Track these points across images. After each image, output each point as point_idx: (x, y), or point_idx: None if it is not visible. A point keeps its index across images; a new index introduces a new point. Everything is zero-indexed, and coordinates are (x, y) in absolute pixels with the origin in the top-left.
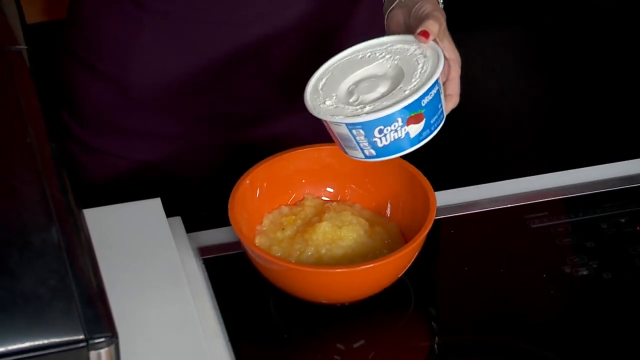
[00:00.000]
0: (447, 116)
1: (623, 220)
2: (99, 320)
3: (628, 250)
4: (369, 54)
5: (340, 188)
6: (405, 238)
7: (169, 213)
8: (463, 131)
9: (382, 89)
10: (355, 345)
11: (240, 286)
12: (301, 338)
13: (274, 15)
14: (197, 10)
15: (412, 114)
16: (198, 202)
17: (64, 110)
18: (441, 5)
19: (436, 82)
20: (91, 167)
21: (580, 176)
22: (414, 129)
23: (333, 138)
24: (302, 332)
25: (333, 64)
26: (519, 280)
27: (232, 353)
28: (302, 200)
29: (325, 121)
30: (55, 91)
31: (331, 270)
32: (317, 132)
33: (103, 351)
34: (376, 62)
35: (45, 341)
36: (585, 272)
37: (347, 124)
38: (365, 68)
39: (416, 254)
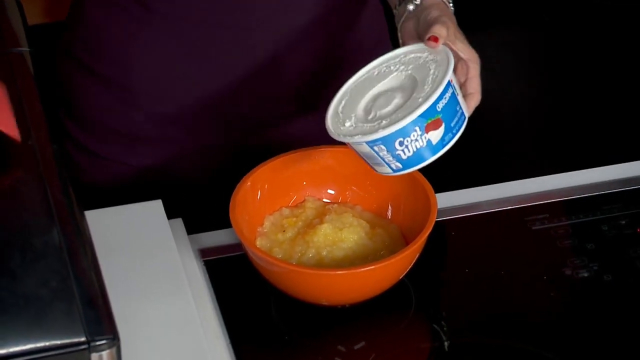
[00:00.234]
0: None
1: (623, 222)
2: (100, 322)
3: (628, 252)
4: (384, 68)
5: (341, 190)
6: (406, 240)
7: (170, 215)
8: (463, 133)
9: (398, 100)
10: (356, 347)
11: (241, 288)
12: (302, 340)
13: (275, 20)
14: (197, 11)
15: (430, 120)
16: (199, 204)
17: (63, 113)
18: (451, 8)
19: (448, 84)
20: (91, 170)
21: (580, 178)
22: (435, 135)
23: (362, 159)
24: (303, 334)
25: (351, 85)
26: (520, 282)
27: (232, 354)
28: (303, 202)
29: (348, 143)
30: (54, 93)
31: (332, 272)
32: (316, 136)
33: (104, 353)
34: (391, 76)
35: (47, 343)
36: (585, 274)
37: (367, 142)
38: (382, 83)
39: (417, 256)
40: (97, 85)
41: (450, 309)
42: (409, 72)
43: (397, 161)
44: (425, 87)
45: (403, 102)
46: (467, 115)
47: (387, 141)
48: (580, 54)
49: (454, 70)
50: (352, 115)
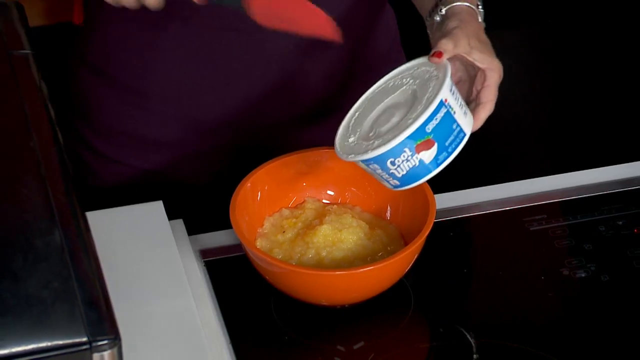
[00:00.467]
0: None
1: (621, 222)
2: (102, 322)
3: (626, 252)
4: (398, 81)
5: (340, 191)
6: (405, 240)
7: (171, 216)
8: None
9: (395, 118)
10: (355, 347)
11: (241, 288)
12: (302, 339)
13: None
14: (213, 17)
15: (419, 141)
16: (200, 205)
17: (75, 116)
18: (480, 10)
19: (441, 104)
20: (101, 172)
21: (578, 179)
22: (427, 155)
23: None
24: (303, 334)
25: (368, 96)
26: (518, 282)
27: (233, 354)
28: (302, 203)
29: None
30: (67, 97)
31: (331, 273)
32: (324, 141)
33: (106, 353)
34: (400, 90)
35: (49, 343)
36: (583, 274)
37: (361, 161)
38: (391, 97)
39: (416, 257)
40: (111, 89)
41: (449, 309)
42: (415, 87)
43: (394, 179)
44: (419, 106)
45: (399, 120)
46: (467, 132)
47: (379, 161)
48: (577, 57)
49: (467, 82)
50: (358, 130)
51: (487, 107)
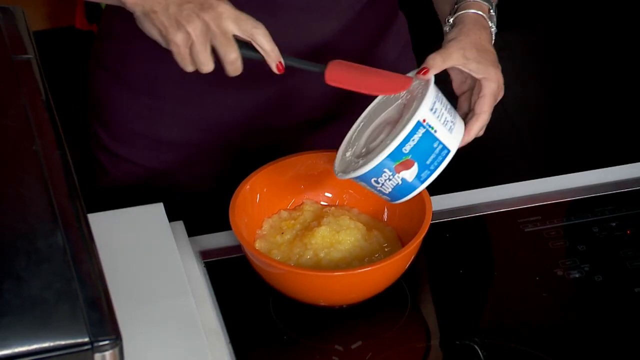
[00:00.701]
0: None
1: (614, 224)
2: (103, 323)
3: (618, 253)
4: (395, 94)
5: (338, 193)
6: (401, 242)
7: (171, 217)
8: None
9: (383, 135)
10: (353, 346)
11: (240, 289)
12: (300, 339)
13: (299, 33)
14: None
15: (398, 162)
16: (200, 207)
17: (91, 116)
18: (492, 12)
19: (418, 125)
20: (113, 171)
21: (572, 181)
22: (409, 174)
23: None
24: (301, 334)
25: (371, 109)
26: (513, 283)
27: (232, 354)
28: (301, 205)
29: None
30: (85, 99)
31: (329, 274)
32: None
33: (107, 353)
34: (395, 103)
35: (52, 344)
36: (577, 275)
37: (352, 178)
38: (387, 110)
39: (412, 258)
40: (124, 90)
41: (445, 309)
42: (405, 102)
43: (382, 195)
44: (400, 126)
45: (384, 138)
46: (452, 148)
47: (364, 180)
48: (571, 60)
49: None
50: (356, 144)
51: (480, 119)
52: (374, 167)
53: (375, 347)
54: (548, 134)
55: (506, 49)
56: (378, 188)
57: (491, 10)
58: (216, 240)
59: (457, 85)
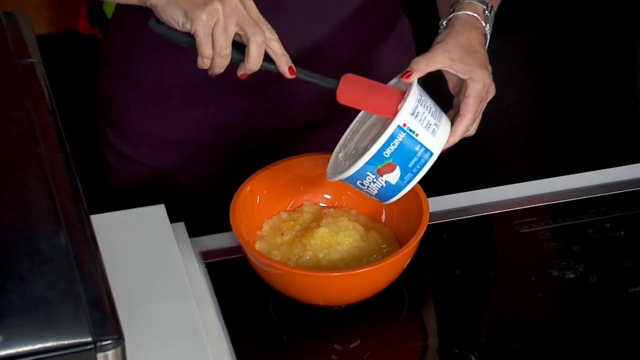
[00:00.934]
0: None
1: (608, 225)
2: (106, 323)
3: (613, 253)
4: None
5: (337, 194)
6: (399, 243)
7: (173, 219)
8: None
9: (370, 137)
10: (351, 346)
11: (241, 289)
12: (300, 339)
13: (304, 34)
14: None
15: (379, 165)
16: (201, 208)
17: (100, 117)
18: (487, 13)
19: (398, 129)
20: (121, 171)
21: (567, 183)
22: (392, 177)
23: None
24: (301, 333)
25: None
26: (508, 283)
27: (233, 353)
28: (300, 206)
29: None
30: (94, 100)
31: (328, 274)
32: (322, 146)
33: (110, 353)
34: None
35: (55, 343)
36: (571, 275)
37: (340, 180)
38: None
39: (410, 258)
40: (132, 89)
41: (442, 309)
42: None
43: (371, 196)
44: (382, 130)
45: (370, 140)
46: (435, 151)
47: (350, 182)
48: (568, 64)
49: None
50: (348, 145)
51: (464, 119)
52: (356, 171)
53: (373, 346)
54: (546, 135)
55: (503, 52)
56: (365, 190)
57: (486, 12)
58: (217, 241)
59: (452, 85)
